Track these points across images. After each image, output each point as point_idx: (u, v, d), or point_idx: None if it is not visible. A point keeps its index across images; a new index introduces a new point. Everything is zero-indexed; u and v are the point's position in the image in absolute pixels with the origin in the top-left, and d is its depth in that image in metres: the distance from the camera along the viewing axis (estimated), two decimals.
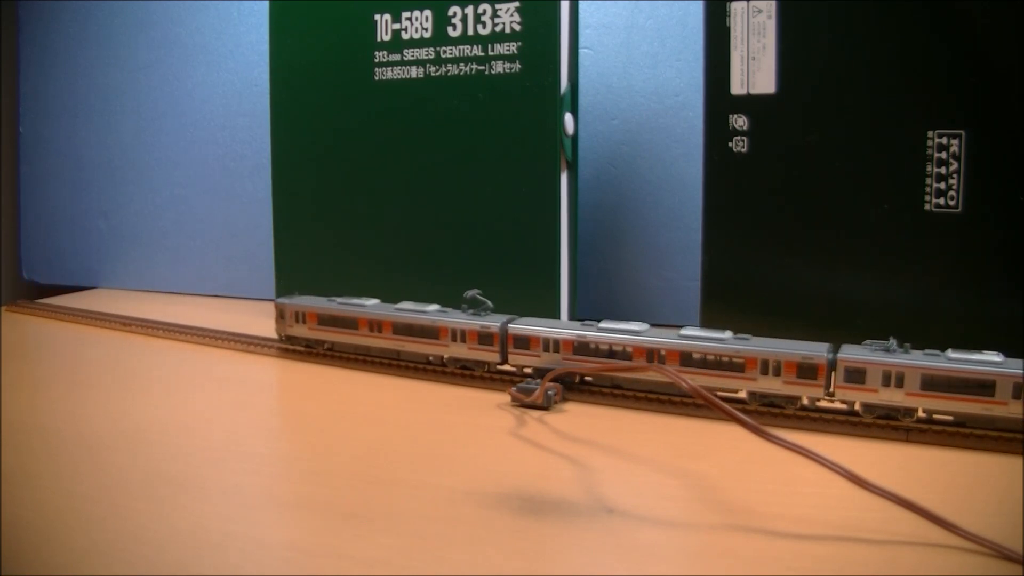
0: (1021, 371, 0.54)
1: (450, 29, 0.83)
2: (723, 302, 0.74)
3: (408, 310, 0.75)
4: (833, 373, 0.59)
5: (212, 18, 1.14)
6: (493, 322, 0.71)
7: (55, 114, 1.26)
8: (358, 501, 0.48)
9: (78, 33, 1.23)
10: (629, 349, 0.65)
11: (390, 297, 0.80)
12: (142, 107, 1.20)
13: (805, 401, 0.60)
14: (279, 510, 0.48)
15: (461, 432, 0.60)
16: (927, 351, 0.58)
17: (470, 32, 0.82)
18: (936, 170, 0.65)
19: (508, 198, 0.82)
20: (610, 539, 0.43)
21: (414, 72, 0.85)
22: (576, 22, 0.80)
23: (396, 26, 0.86)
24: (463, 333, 0.72)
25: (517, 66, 0.80)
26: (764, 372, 0.61)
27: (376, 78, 0.87)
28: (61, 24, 1.24)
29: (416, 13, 0.84)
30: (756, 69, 0.69)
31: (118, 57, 1.21)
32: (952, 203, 0.64)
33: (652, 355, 0.64)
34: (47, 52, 1.26)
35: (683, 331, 0.65)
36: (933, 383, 0.56)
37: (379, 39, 0.87)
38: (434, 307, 0.75)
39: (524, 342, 0.69)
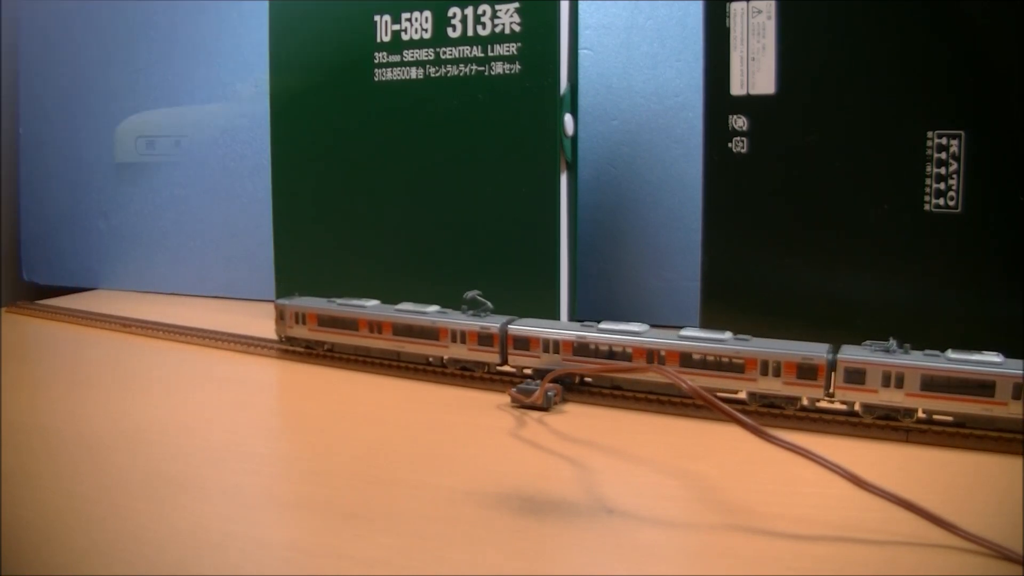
0: (1021, 371, 0.54)
1: (450, 30, 0.83)
2: (723, 302, 0.74)
3: (408, 311, 0.75)
4: (833, 374, 0.59)
5: (212, 18, 1.14)
6: (493, 323, 0.71)
7: (55, 114, 1.26)
8: (358, 501, 0.48)
9: (78, 33, 1.23)
10: (629, 350, 0.65)
11: (390, 298, 0.80)
12: (142, 107, 1.20)
13: (805, 402, 0.60)
14: (279, 510, 0.48)
15: (461, 432, 0.60)
16: (927, 351, 0.58)
17: (470, 33, 0.82)
18: (936, 170, 0.65)
19: (508, 198, 0.82)
20: (610, 539, 0.43)
21: (414, 73, 0.85)
22: (576, 23, 0.80)
23: (396, 27, 0.85)
24: (463, 334, 0.72)
25: (517, 67, 0.80)
26: (764, 373, 0.61)
27: (376, 79, 0.87)
28: (61, 24, 1.24)
29: (416, 14, 0.84)
30: (756, 69, 0.69)
31: (118, 57, 1.21)
32: (952, 203, 0.64)
33: (652, 356, 0.64)
34: (47, 52, 1.26)
35: (683, 332, 0.65)
36: (933, 383, 0.56)
37: (379, 40, 0.87)
38: (434, 308, 0.75)
39: (524, 343, 0.69)
